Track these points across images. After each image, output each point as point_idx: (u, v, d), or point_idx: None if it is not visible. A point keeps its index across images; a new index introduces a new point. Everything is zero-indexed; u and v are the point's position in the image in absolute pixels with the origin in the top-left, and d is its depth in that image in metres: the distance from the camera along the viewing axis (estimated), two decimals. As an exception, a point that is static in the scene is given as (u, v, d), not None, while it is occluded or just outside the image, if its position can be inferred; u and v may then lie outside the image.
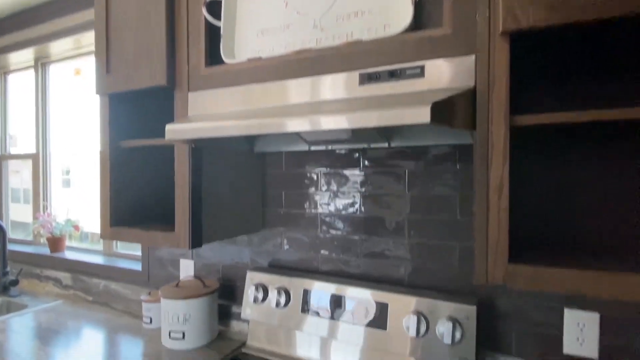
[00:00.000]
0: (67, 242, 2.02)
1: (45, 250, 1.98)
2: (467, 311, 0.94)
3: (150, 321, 1.37)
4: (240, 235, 1.21)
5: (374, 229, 1.15)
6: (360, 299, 1.07)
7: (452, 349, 0.94)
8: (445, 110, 0.63)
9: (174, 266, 1.53)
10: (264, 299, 1.19)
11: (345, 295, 1.09)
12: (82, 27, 1.77)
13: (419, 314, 0.98)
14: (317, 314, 1.11)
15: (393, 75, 0.78)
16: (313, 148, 1.18)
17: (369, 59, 0.81)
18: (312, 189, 1.24)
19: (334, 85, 0.84)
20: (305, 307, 1.13)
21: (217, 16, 1.01)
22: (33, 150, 2.15)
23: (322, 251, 1.23)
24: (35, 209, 2.11)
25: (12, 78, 2.34)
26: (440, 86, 0.74)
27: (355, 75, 0.82)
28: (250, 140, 1.20)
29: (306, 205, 1.25)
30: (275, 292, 1.16)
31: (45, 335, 1.33)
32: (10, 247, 2.13)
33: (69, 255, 1.88)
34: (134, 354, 1.18)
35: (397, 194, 1.11)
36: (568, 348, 0.93)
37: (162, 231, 1.05)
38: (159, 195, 1.32)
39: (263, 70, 0.92)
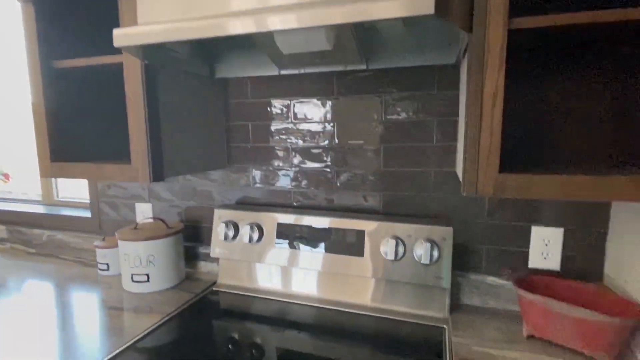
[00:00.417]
0: (-3, 193, 1.78)
1: (-30, 203, 1.73)
2: (444, 232, 0.96)
3: (108, 267, 1.27)
4: (204, 171, 1.12)
5: (349, 159, 1.11)
6: (337, 229, 1.04)
7: (429, 268, 0.96)
8: (446, 2, 0.57)
9: (128, 211, 1.40)
10: (235, 236, 1.14)
11: (320, 226, 1.06)
12: None
13: (397, 238, 0.98)
14: (292, 246, 1.08)
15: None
16: (284, 72, 1.08)
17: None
18: (282, 120, 1.16)
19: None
20: (279, 240, 1.10)
21: None
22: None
23: (295, 185, 1.18)
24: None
25: None
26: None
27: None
28: (209, 61, 1.07)
29: (276, 137, 1.17)
30: (248, 227, 1.10)
31: (-17, 290, 1.18)
32: None
33: (1, 206, 1.67)
34: (92, 301, 1.09)
35: (373, 121, 1.07)
36: (533, 262, 0.99)
37: (117, 164, 0.93)
38: (110, 129, 1.17)
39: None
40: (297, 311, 1.01)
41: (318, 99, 1.11)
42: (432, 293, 0.98)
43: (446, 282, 0.95)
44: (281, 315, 0.99)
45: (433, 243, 0.95)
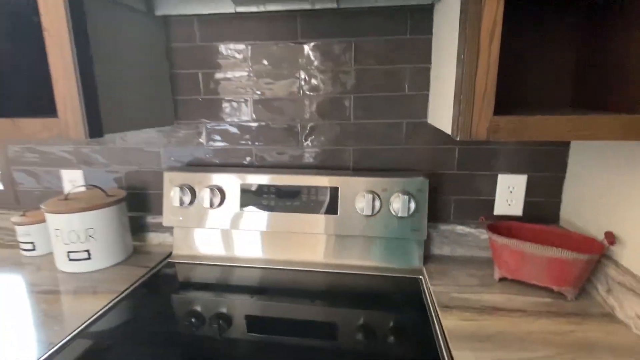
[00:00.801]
0: None
1: None
2: (420, 183, 0.93)
3: (34, 247, 1.07)
4: (148, 127, 0.95)
5: (316, 112, 1.02)
6: (307, 187, 0.97)
7: (405, 221, 0.94)
8: None
9: (52, 179, 1.18)
10: (192, 201, 1.01)
11: (289, 185, 0.98)
12: None
13: (373, 193, 0.93)
14: (259, 208, 0.99)
15: None
16: (240, 9, 0.93)
17: None
18: (238, 67, 1.02)
19: None
20: (245, 203, 1.00)
21: None
22: None
23: (257, 143, 1.06)
24: None
25: None
26: None
27: None
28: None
29: (232, 88, 1.04)
30: (207, 190, 0.98)
31: None
32: None
33: None
34: (19, 287, 0.91)
35: (342, 69, 0.98)
36: (498, 210, 1.02)
37: (39, 118, 0.74)
38: (30, 80, 0.93)
39: None
40: (268, 276, 0.94)
41: (281, 43, 0.98)
42: (406, 245, 0.97)
43: (423, 234, 0.94)
44: (253, 283, 0.92)
45: (410, 195, 0.92)
